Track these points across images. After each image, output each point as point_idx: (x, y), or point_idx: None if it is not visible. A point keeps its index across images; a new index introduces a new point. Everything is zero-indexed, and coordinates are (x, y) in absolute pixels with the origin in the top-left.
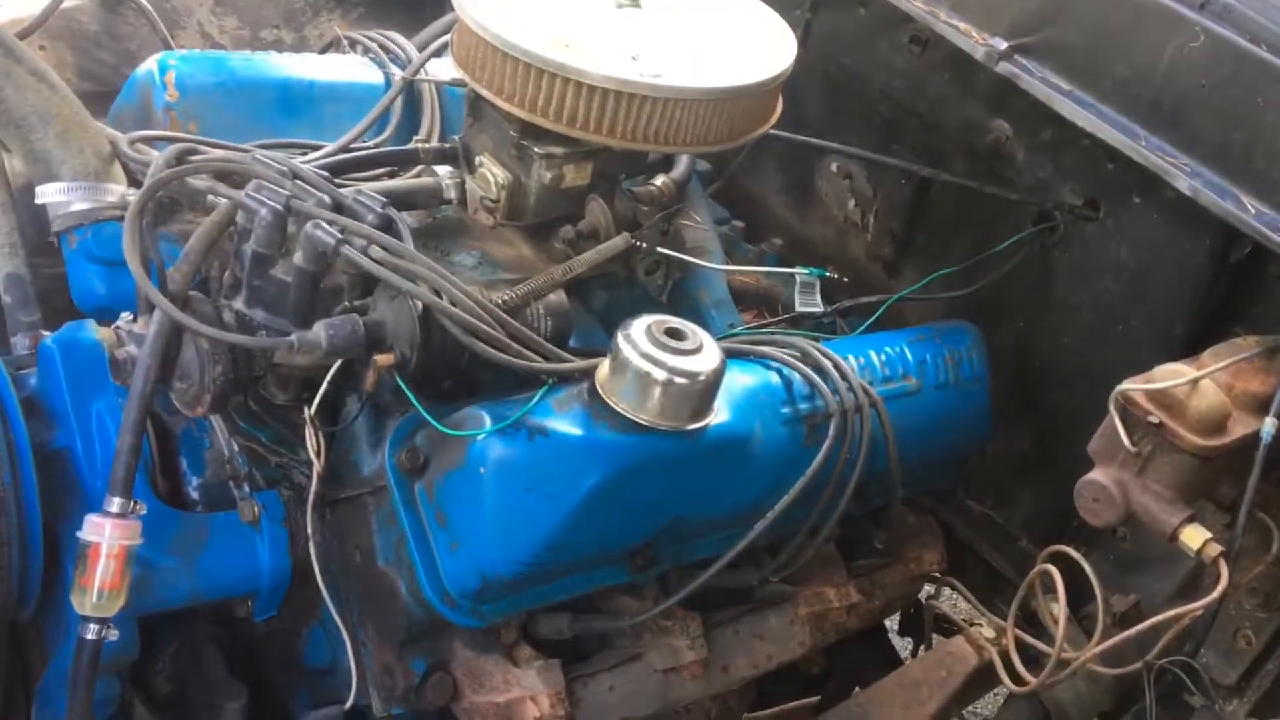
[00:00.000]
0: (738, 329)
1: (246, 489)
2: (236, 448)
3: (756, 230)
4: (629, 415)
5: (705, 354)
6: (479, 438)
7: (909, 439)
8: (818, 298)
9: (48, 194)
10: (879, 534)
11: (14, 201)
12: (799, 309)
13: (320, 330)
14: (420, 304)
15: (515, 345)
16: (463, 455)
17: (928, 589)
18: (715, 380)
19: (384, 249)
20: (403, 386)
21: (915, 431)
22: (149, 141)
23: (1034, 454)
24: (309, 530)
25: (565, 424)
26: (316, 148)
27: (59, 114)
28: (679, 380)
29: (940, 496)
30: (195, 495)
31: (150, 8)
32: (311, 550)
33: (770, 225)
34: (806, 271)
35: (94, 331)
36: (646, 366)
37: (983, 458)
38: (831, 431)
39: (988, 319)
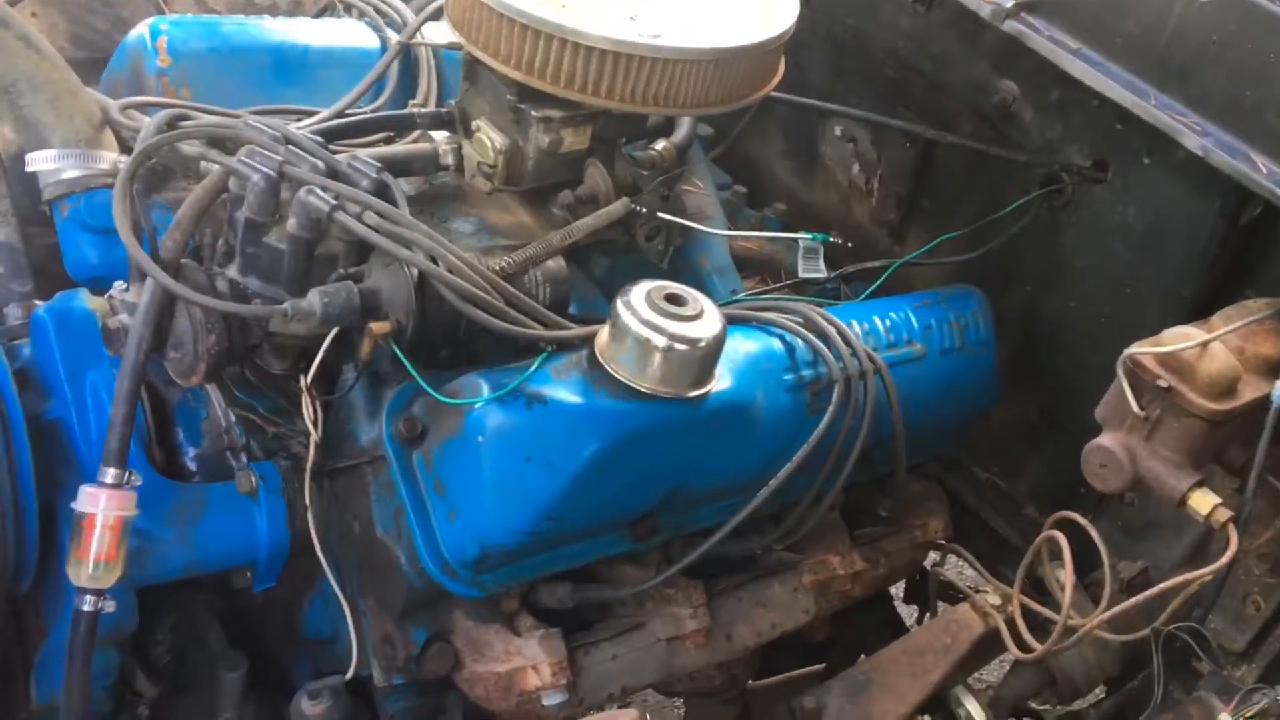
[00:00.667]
0: (740, 295)
1: (244, 459)
2: (233, 418)
3: (759, 195)
4: (629, 382)
5: (706, 320)
6: (477, 406)
7: (914, 405)
8: (821, 263)
9: (38, 161)
10: (884, 501)
11: (5, 170)
12: (802, 275)
13: (315, 298)
14: (416, 271)
15: (513, 312)
16: (460, 424)
17: (933, 556)
18: (716, 347)
19: (379, 215)
20: (399, 355)
21: (920, 398)
22: (140, 108)
23: (1041, 420)
24: (307, 500)
25: (564, 392)
26: (311, 113)
27: (49, 80)
28: (679, 347)
29: (946, 463)
30: (192, 466)
31: None
32: (310, 520)
33: (773, 190)
34: (810, 237)
35: (87, 301)
36: (646, 333)
37: (989, 424)
38: (835, 398)
39: (994, 283)
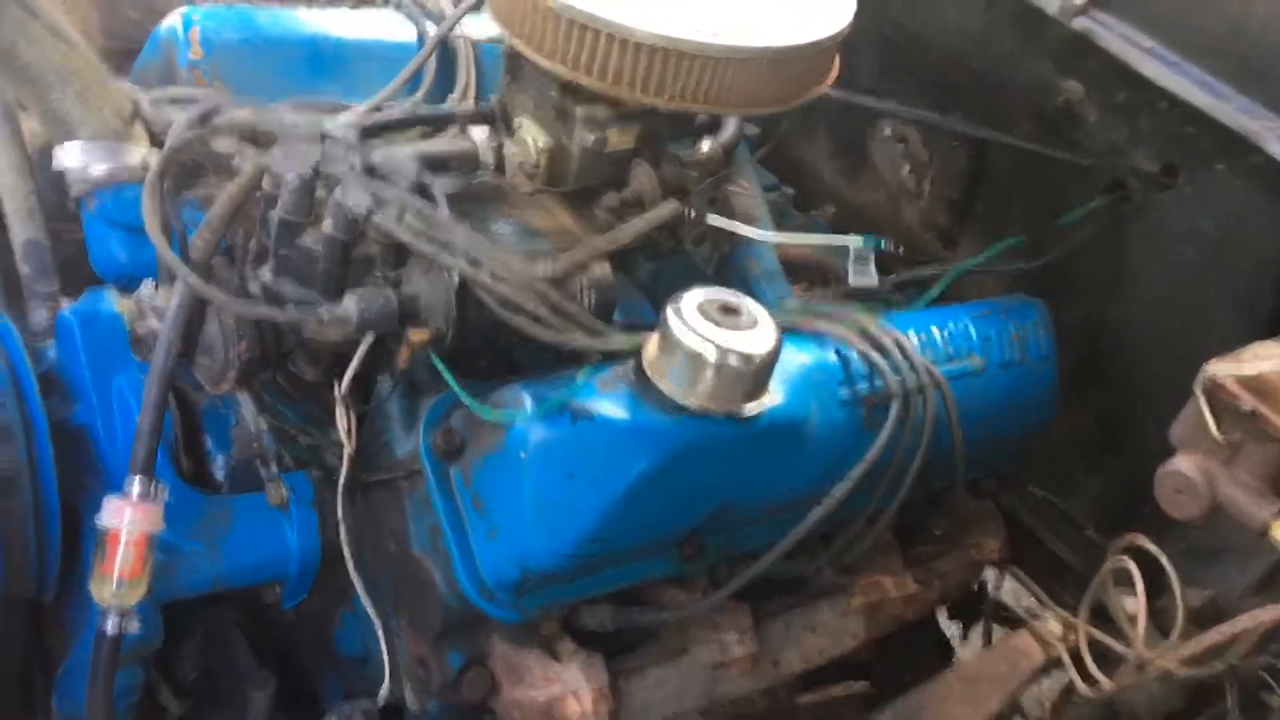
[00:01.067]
0: (790, 302)
1: (274, 469)
2: (264, 425)
3: (805, 196)
4: (678, 397)
5: (761, 332)
6: (519, 421)
7: (973, 421)
8: (872, 269)
9: (66, 155)
10: (939, 520)
11: (32, 164)
12: (852, 281)
13: (350, 303)
14: (457, 276)
15: (558, 321)
16: (502, 439)
17: (988, 576)
18: (771, 361)
19: (418, 216)
20: (438, 364)
21: (979, 413)
22: (172, 100)
23: (1101, 435)
24: (340, 514)
25: (611, 406)
26: (346, 108)
27: (77, 71)
28: (733, 361)
29: (1000, 479)
30: (220, 475)
31: None
32: (342, 535)
33: (819, 191)
34: (861, 241)
35: (114, 302)
36: (698, 345)
37: (1046, 439)
38: (893, 414)
39: (1051, 291)
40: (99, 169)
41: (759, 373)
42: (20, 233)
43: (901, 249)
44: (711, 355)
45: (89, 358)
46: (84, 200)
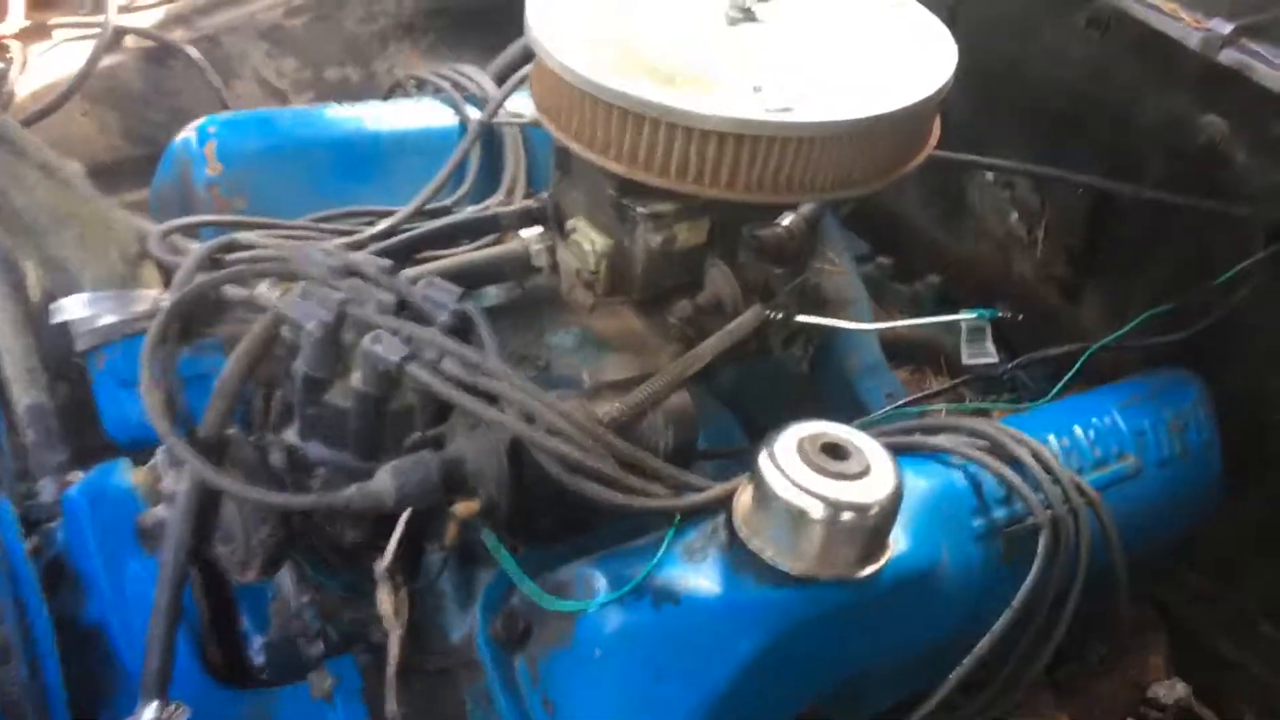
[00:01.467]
0: (897, 400)
1: (320, 647)
2: (305, 599)
3: (900, 252)
4: (780, 564)
5: (877, 476)
6: (590, 610)
7: (1130, 532)
8: (989, 345)
9: (69, 308)
10: (1094, 646)
11: (30, 319)
12: (967, 361)
13: (386, 479)
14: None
15: (630, 479)
16: (571, 629)
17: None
18: (891, 510)
19: (459, 363)
20: (490, 542)
21: (1137, 523)
22: (185, 231)
23: (1271, 519)
24: (392, 704)
25: (700, 581)
26: (384, 214)
27: (75, 213)
28: (845, 516)
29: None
30: (258, 659)
31: (200, 57)
32: None
33: (915, 245)
34: (974, 314)
35: (126, 475)
36: (800, 500)
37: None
38: (1041, 548)
39: (1203, 359)
40: (105, 321)
41: (877, 528)
42: (22, 397)
43: (1020, 316)
44: (817, 511)
45: (100, 543)
46: (91, 355)
